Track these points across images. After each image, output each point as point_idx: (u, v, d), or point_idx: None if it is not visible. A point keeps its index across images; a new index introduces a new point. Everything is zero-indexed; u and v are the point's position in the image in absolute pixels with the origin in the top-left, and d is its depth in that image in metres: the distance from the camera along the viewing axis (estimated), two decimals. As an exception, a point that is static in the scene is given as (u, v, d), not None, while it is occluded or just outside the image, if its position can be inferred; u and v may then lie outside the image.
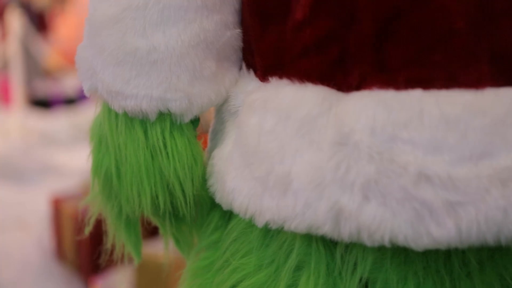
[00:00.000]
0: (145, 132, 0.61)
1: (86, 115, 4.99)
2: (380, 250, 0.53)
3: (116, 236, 0.68)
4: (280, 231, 0.57)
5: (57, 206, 2.42)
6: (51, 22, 6.13)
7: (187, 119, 0.61)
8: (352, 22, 0.52)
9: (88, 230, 0.67)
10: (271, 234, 0.58)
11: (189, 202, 0.62)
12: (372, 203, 0.48)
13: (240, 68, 0.64)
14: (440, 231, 0.47)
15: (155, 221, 0.67)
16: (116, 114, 0.61)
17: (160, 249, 1.63)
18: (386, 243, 0.48)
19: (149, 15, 0.57)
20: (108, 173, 0.64)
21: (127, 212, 0.64)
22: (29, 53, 5.12)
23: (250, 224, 0.59)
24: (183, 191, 0.61)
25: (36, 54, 5.33)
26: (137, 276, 1.78)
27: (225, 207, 0.61)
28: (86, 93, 0.64)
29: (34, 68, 5.51)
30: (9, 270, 2.40)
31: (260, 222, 0.55)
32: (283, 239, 0.57)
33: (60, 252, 2.47)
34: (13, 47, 4.58)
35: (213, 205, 0.65)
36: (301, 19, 0.54)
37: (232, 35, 0.61)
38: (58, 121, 5.03)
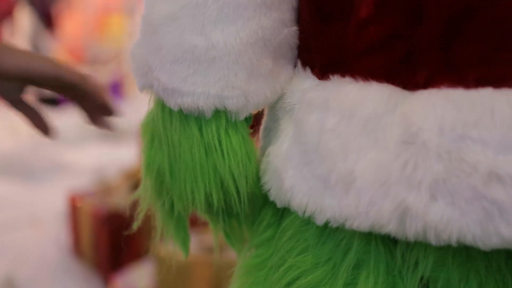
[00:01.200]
0: (200, 129, 0.60)
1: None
2: (442, 248, 0.52)
3: (165, 232, 0.68)
4: (337, 229, 0.56)
5: (74, 204, 2.42)
6: (57, 20, 6.13)
7: (242, 117, 0.61)
8: (419, 20, 0.51)
9: (136, 225, 0.67)
10: (327, 232, 0.58)
11: (243, 200, 0.62)
12: (440, 202, 0.48)
13: (295, 66, 0.64)
14: (510, 230, 0.46)
15: (207, 218, 0.67)
16: (171, 111, 0.61)
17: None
18: (453, 242, 0.48)
19: (208, 13, 0.57)
20: (160, 170, 0.64)
21: (179, 209, 0.64)
22: (38, 51, 5.12)
23: (306, 221, 0.59)
24: (237, 188, 0.61)
25: (44, 52, 5.33)
26: (158, 273, 1.77)
27: (280, 204, 0.60)
28: (140, 89, 0.64)
29: (42, 65, 5.50)
30: (26, 268, 2.41)
31: (320, 220, 0.55)
32: (340, 237, 0.57)
33: (77, 250, 2.47)
34: (22, 45, 4.58)
35: (265, 202, 0.65)
36: (365, 17, 0.54)
37: (289, 32, 0.61)
38: (66, 119, 5.03)
